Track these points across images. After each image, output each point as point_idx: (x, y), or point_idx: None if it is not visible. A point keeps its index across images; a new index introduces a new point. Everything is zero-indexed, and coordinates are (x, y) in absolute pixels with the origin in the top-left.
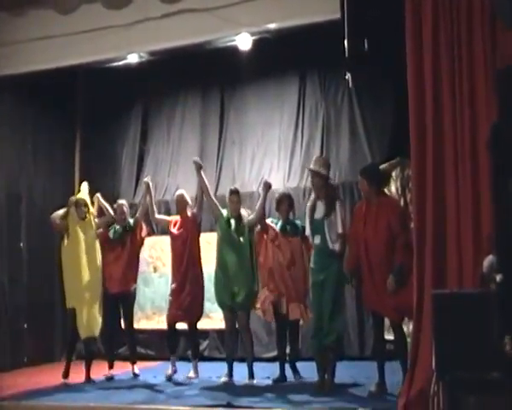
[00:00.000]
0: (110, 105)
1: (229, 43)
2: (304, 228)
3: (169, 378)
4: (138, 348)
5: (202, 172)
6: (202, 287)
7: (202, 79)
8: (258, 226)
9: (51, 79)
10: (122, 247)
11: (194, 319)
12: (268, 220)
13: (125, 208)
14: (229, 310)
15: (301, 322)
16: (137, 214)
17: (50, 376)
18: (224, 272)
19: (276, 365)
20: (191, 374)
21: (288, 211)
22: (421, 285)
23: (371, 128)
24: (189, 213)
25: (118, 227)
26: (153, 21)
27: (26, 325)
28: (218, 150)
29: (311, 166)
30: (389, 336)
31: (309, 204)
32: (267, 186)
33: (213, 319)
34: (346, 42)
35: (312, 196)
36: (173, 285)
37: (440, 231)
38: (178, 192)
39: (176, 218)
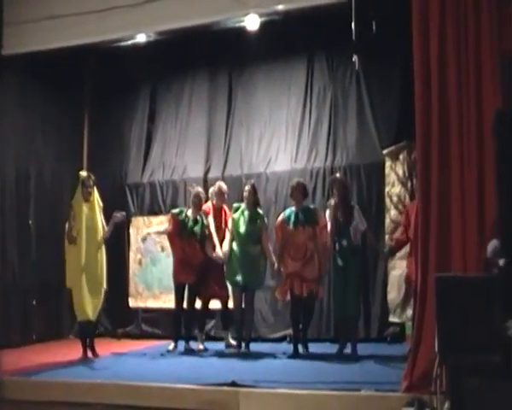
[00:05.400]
0: (118, 85)
1: (237, 24)
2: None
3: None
4: (145, 327)
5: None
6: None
7: (210, 60)
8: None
9: (60, 59)
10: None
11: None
12: (286, 212)
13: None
14: (240, 289)
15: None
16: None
17: (58, 353)
18: (238, 257)
19: (282, 345)
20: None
21: (302, 199)
22: (425, 269)
23: (379, 111)
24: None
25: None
26: (161, 1)
27: (34, 303)
28: (226, 131)
29: (339, 176)
30: (395, 319)
31: (332, 213)
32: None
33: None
34: (353, 24)
35: (333, 200)
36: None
37: (445, 216)
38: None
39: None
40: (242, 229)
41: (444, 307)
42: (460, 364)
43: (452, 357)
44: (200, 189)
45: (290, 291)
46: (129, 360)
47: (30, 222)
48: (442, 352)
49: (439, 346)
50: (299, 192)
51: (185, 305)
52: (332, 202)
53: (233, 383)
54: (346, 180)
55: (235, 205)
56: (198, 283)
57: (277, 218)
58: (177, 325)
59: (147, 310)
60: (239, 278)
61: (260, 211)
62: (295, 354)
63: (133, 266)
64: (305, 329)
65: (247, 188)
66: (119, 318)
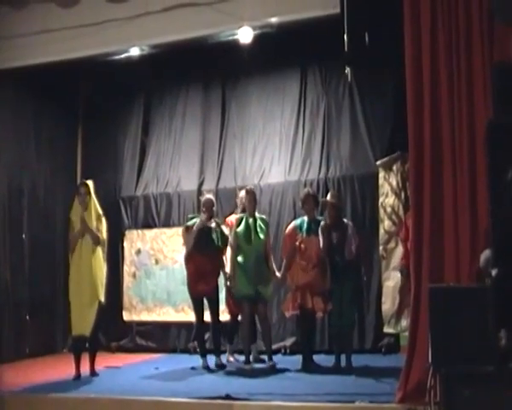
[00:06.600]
0: (112, 98)
1: (230, 37)
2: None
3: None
4: (139, 340)
5: None
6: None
7: (204, 73)
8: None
9: (53, 73)
10: None
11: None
12: (297, 221)
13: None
14: (251, 302)
15: (320, 314)
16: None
17: (52, 367)
18: (246, 268)
19: (277, 357)
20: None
21: (315, 209)
22: (418, 279)
23: (372, 122)
24: None
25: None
26: (154, 15)
27: (28, 317)
28: (220, 143)
29: (330, 199)
30: (389, 330)
31: (324, 232)
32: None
33: None
34: (345, 36)
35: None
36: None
37: (438, 226)
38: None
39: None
40: (250, 241)
41: (437, 318)
42: (453, 374)
43: (446, 367)
44: (210, 195)
45: (301, 306)
46: (123, 374)
47: (23, 236)
48: (436, 362)
49: (433, 356)
50: (312, 202)
51: (205, 318)
52: (323, 222)
53: (227, 397)
54: (337, 201)
55: (238, 217)
56: (216, 294)
57: (286, 227)
58: (201, 340)
59: (141, 323)
60: (250, 291)
61: (264, 217)
62: (306, 367)
63: (127, 280)
64: (312, 340)
65: (243, 194)
66: (114, 331)
